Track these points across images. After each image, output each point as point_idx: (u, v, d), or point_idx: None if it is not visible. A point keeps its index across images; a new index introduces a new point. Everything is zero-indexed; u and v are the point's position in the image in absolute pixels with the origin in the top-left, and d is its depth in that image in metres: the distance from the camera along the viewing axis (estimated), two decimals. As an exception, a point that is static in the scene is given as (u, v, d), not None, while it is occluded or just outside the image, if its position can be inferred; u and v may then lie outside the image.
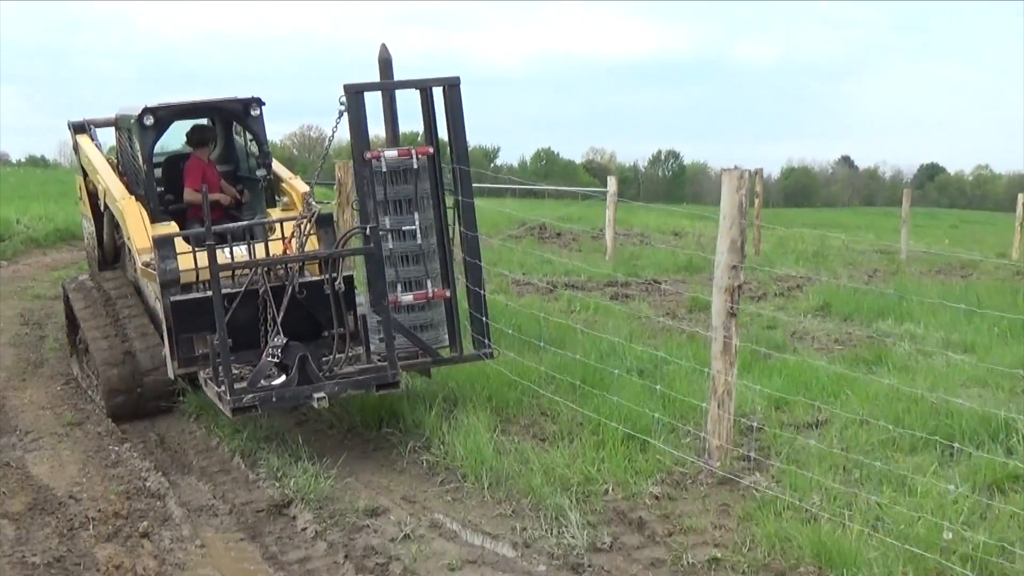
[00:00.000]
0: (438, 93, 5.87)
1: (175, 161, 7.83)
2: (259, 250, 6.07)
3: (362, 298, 6.04)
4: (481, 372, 6.22)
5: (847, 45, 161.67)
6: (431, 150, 5.81)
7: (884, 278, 12.63)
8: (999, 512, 4.28)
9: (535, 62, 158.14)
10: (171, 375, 5.92)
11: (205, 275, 5.55)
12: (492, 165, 67.28)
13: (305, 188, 7.29)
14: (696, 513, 4.48)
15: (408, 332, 5.73)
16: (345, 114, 5.58)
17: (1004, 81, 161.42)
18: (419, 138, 6.31)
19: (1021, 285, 11.15)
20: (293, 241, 5.92)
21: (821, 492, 4.51)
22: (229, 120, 7.91)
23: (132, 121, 7.27)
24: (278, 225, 6.41)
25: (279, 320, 5.42)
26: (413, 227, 5.73)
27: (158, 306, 6.24)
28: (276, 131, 64.70)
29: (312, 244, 6.24)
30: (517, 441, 5.36)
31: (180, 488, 5.31)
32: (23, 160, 54.51)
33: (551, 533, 4.33)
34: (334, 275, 5.59)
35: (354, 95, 5.58)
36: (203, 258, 5.27)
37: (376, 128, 5.85)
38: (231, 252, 6.03)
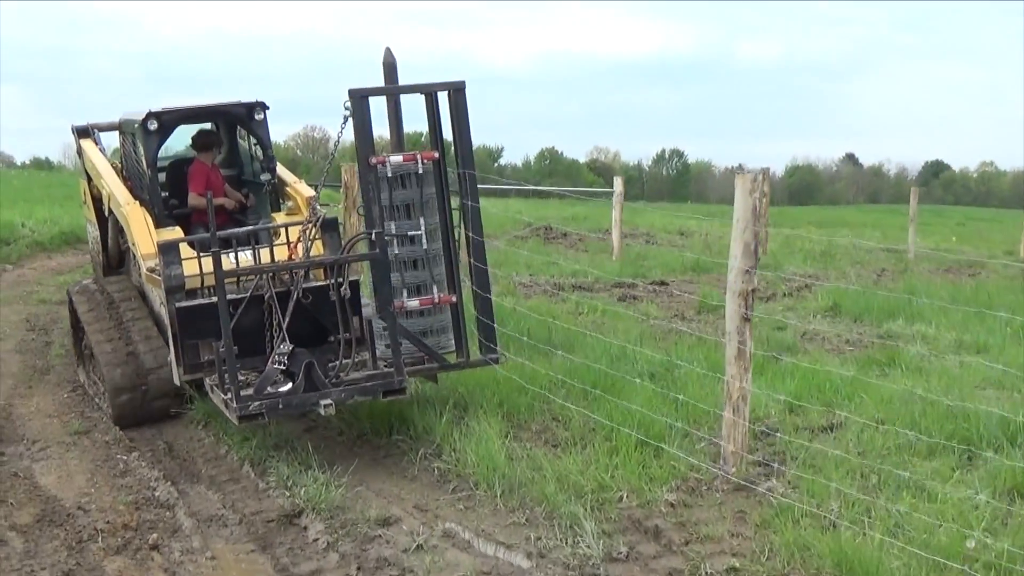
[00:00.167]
0: (443, 97, 5.81)
1: (179, 165, 7.80)
2: (264, 255, 6.03)
3: (368, 303, 5.99)
4: (491, 377, 6.16)
5: (850, 43, 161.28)
6: (436, 155, 5.75)
7: (893, 277, 12.54)
8: (1021, 518, 4.21)
9: (538, 61, 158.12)
10: (177, 382, 5.88)
11: (210, 280, 5.51)
12: (496, 164, 67.20)
13: (310, 192, 7.24)
14: (712, 521, 4.41)
15: (414, 338, 5.68)
16: (350, 119, 5.53)
17: (1008, 78, 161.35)
18: (423, 138, 6.26)
19: (1032, 284, 11.07)
20: (298, 246, 5.87)
21: (839, 499, 4.44)
22: (233, 124, 7.87)
23: (136, 125, 7.24)
24: (283, 230, 6.37)
25: (285, 326, 5.38)
26: (419, 232, 5.68)
27: (163, 312, 6.20)
28: (280, 132, 64.88)
29: (317, 248, 6.19)
30: (529, 448, 5.30)
31: (189, 497, 5.26)
32: (27, 162, 54.52)
33: (566, 542, 4.27)
34: (340, 280, 5.55)
35: (359, 100, 5.53)
36: (208, 264, 5.23)
37: (380, 128, 5.81)
38: (236, 257, 5.99)
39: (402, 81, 5.82)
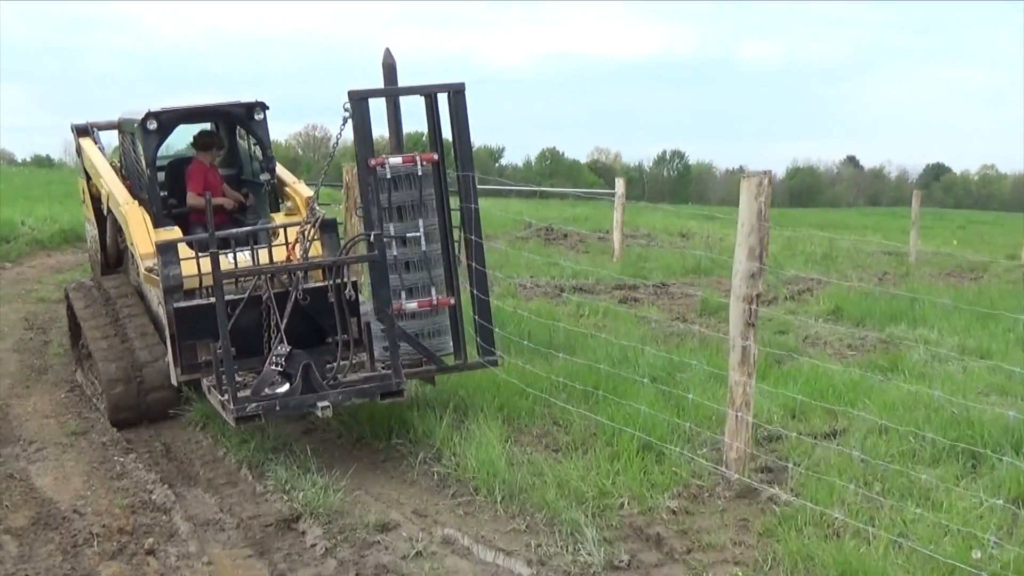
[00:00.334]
0: (443, 99, 5.77)
1: (178, 164, 7.77)
2: (262, 256, 5.99)
3: (366, 304, 5.95)
4: (491, 380, 6.10)
5: (852, 46, 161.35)
6: (435, 157, 5.71)
7: (895, 281, 12.49)
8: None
9: (539, 62, 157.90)
10: (174, 382, 5.84)
11: (208, 281, 5.46)
12: (497, 165, 67.13)
13: (309, 192, 7.20)
14: (715, 528, 4.36)
15: (412, 340, 5.63)
16: (349, 120, 5.49)
17: (1009, 81, 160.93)
18: (423, 139, 6.21)
19: (1034, 288, 11.02)
20: (297, 247, 5.83)
21: (843, 506, 4.39)
22: (233, 124, 7.83)
23: (135, 125, 7.21)
24: (281, 230, 6.32)
25: (283, 327, 5.33)
26: (418, 234, 5.64)
27: (161, 312, 6.16)
28: (281, 131, 64.79)
29: (316, 249, 6.14)
30: (530, 452, 5.25)
31: (186, 501, 5.20)
32: (28, 159, 54.49)
33: (567, 550, 4.21)
34: (339, 281, 5.51)
35: (358, 102, 5.49)
36: (206, 264, 5.18)
37: (380, 129, 5.76)
38: (234, 258, 5.95)
39: (402, 81, 5.77)
